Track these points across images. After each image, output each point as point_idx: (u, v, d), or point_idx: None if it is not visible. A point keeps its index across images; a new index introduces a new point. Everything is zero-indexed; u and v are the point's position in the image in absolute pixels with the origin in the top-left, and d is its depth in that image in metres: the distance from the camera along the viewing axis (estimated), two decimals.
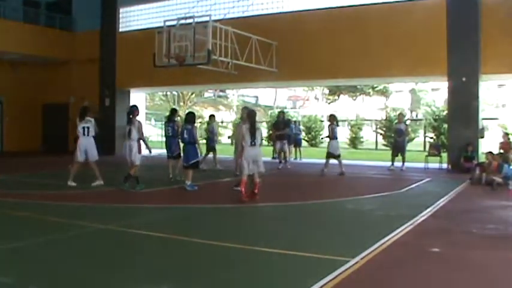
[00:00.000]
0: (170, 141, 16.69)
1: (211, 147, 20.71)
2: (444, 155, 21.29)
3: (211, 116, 22.69)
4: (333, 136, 18.77)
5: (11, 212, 10.65)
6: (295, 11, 23.64)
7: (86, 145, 14.63)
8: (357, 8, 22.30)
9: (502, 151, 18.03)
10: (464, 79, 19.76)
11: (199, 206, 12.01)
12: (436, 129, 35.15)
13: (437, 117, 35.93)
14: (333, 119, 19.24)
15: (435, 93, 63.44)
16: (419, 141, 37.58)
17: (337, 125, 19.21)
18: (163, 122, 31.74)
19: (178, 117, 18.02)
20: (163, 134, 18.39)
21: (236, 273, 6.52)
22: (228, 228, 9.47)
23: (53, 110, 30.51)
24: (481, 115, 20.83)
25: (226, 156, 21.83)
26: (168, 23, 20.01)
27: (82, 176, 14.65)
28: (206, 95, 71.26)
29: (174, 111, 18.01)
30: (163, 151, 17.78)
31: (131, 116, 14.16)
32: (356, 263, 6.75)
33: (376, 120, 45.54)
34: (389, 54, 21.10)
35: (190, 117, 14.78)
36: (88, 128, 14.62)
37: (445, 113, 31.27)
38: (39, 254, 7.31)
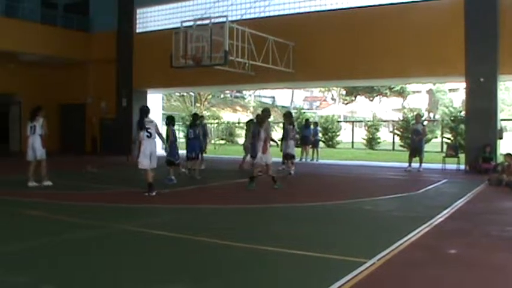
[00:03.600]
0: (193, 143, 17.38)
1: None
2: (462, 156, 21.12)
3: (197, 116, 22.40)
4: (287, 137, 18.47)
5: (25, 212, 10.73)
6: (312, 12, 23.60)
7: (33, 144, 14.63)
8: (374, 8, 22.24)
9: None
10: (482, 79, 19.62)
11: (216, 207, 12.01)
12: (454, 130, 34.93)
13: (454, 118, 35.70)
14: (288, 118, 19.10)
15: (453, 93, 63.20)
16: (436, 142, 37.41)
17: (293, 125, 19.09)
18: (180, 123, 31.55)
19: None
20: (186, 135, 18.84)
21: (251, 274, 6.50)
22: (244, 229, 9.43)
23: (70, 110, 30.68)
24: (500, 116, 20.68)
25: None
26: (185, 24, 20.08)
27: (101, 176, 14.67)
28: (223, 95, 71.41)
29: (197, 116, 18.81)
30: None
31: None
32: (373, 264, 6.70)
33: (393, 121, 45.38)
34: (406, 54, 21.03)
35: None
36: (35, 126, 14.66)
37: (462, 113, 31.08)
38: (53, 254, 7.34)
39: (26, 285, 5.92)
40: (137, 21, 29.21)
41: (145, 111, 13.57)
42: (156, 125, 13.47)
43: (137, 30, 29.11)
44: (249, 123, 20.46)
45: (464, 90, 21.42)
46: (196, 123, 18.02)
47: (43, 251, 7.53)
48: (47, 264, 6.79)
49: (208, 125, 21.94)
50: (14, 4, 27.79)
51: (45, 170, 14.68)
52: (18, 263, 6.84)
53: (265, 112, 15.28)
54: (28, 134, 14.72)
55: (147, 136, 13.10)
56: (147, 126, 13.11)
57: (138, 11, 29.14)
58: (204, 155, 19.40)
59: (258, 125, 14.84)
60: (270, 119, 15.62)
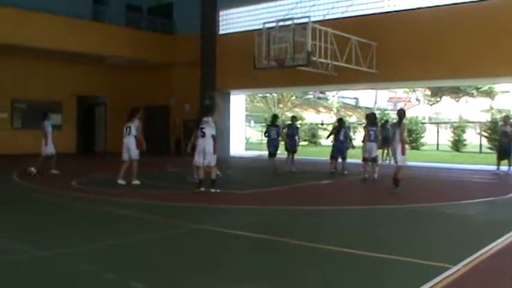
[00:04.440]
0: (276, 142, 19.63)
1: (288, 149, 20.39)
2: None
3: (293, 118, 22.37)
4: (368, 138, 17.49)
5: (114, 211, 11.01)
6: (395, 11, 23.29)
7: (127, 144, 15.20)
8: (458, 6, 21.74)
9: None
10: None
11: (298, 208, 11.96)
12: None
13: None
14: (370, 119, 18.39)
15: None
16: None
17: (376, 126, 17.94)
18: (263, 124, 31.37)
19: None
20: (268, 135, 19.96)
21: (330, 276, 6.43)
22: (325, 231, 9.36)
23: (154, 112, 31.33)
24: None
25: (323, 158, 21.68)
26: (267, 25, 20.11)
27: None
28: (306, 96, 71.39)
29: (276, 117, 21.31)
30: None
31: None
32: (458, 270, 6.50)
33: (480, 122, 44.22)
34: (494, 53, 20.38)
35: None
36: (130, 127, 15.21)
37: None
38: (139, 252, 7.49)
39: (115, 281, 6.06)
40: (220, 23, 29.56)
41: (204, 111, 14.61)
42: (211, 125, 13.66)
43: (220, 32, 29.45)
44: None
45: None
46: (276, 123, 19.94)
47: (130, 249, 7.71)
48: (134, 262, 6.94)
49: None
50: (100, 8, 28.71)
51: (136, 170, 15.20)
52: (108, 260, 7.04)
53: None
54: (124, 134, 15.29)
55: (201, 135, 13.56)
56: (201, 126, 13.55)
57: (221, 13, 29.50)
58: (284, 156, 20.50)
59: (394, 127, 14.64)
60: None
